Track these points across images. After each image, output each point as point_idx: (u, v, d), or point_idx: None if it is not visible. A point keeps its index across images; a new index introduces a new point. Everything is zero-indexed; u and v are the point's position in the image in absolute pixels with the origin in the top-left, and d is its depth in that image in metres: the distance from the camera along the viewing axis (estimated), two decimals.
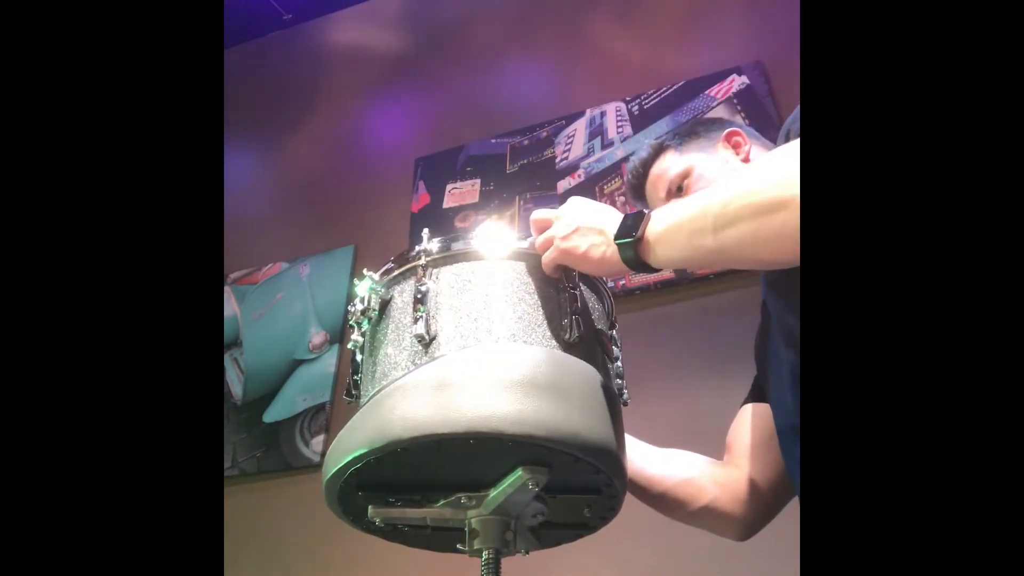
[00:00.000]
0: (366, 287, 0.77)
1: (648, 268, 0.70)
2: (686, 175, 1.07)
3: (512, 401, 0.64)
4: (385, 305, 0.76)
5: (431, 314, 0.71)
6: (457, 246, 0.75)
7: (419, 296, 0.72)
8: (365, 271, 0.78)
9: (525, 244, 0.76)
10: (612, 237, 0.70)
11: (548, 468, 0.66)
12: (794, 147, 0.60)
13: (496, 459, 0.67)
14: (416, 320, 0.70)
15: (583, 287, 0.77)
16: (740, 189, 0.62)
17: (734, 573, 1.46)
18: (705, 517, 0.96)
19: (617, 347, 0.81)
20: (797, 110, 0.78)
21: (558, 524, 0.76)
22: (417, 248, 0.75)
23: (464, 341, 0.69)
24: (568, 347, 0.71)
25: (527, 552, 0.75)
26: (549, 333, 0.71)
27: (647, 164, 1.13)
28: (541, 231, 0.76)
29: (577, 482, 0.70)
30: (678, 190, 1.08)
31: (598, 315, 0.79)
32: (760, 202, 0.59)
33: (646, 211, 0.70)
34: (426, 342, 0.69)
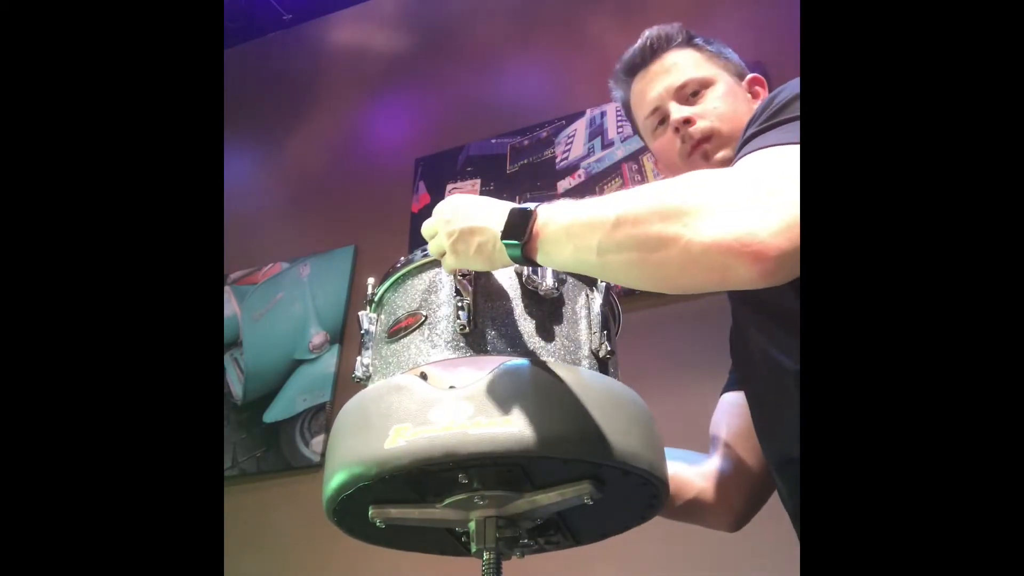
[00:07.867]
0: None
1: (538, 266, 0.69)
2: (707, 83, 1.08)
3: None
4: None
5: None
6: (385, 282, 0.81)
7: (362, 335, 0.80)
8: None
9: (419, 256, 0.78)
10: (498, 235, 0.67)
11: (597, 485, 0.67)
12: (694, 177, 0.60)
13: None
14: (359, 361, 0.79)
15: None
16: (631, 213, 0.60)
17: (734, 572, 1.46)
18: (693, 511, 0.95)
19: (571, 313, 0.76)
20: (779, 91, 0.77)
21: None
22: (370, 289, 0.83)
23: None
24: (469, 340, 0.71)
25: (522, 555, 0.75)
26: (448, 336, 0.72)
27: (671, 40, 1.17)
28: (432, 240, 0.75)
29: (550, 476, 0.68)
30: (693, 95, 1.07)
31: (492, 294, 0.75)
32: (645, 236, 0.58)
33: (532, 207, 0.67)
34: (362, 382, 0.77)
